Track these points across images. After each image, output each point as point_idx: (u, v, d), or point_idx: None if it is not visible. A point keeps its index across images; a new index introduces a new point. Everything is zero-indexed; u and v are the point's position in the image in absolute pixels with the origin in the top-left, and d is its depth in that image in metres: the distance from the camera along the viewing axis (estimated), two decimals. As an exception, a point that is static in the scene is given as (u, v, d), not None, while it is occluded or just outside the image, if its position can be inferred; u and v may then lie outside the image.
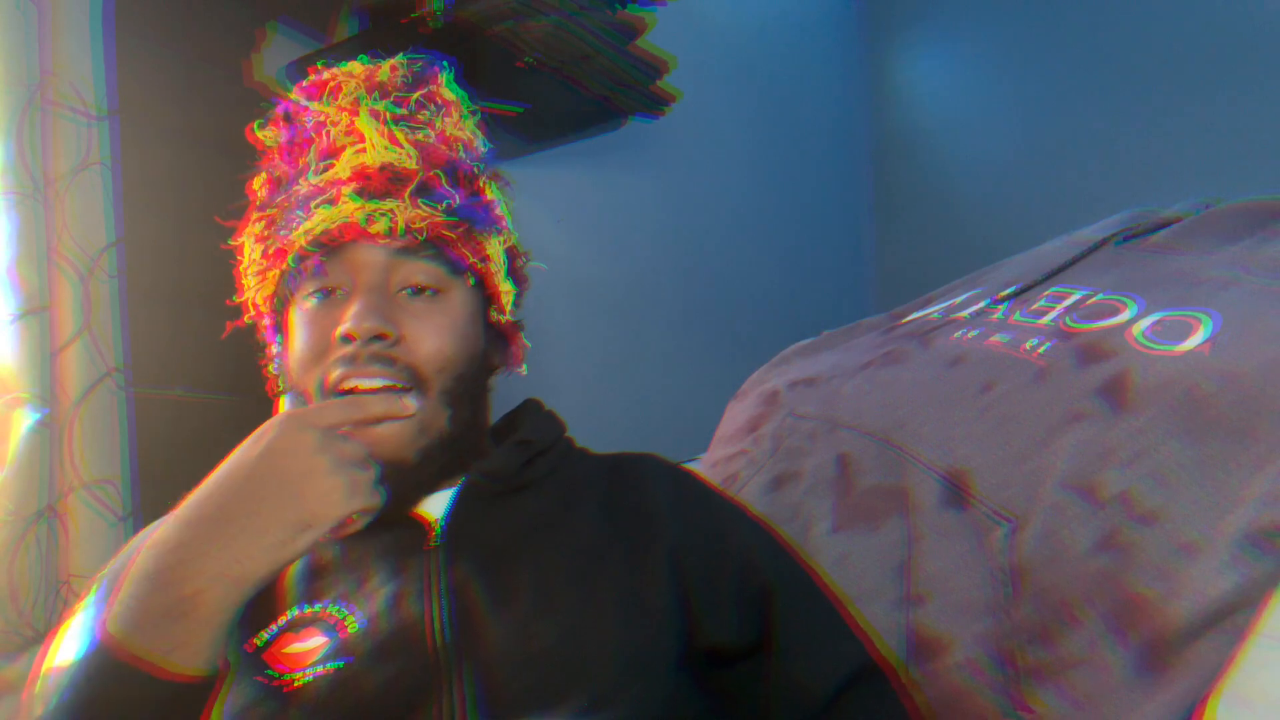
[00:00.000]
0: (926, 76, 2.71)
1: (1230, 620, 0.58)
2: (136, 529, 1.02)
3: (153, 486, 1.06)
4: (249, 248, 0.73)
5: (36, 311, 0.96)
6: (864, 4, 2.80)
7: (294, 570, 0.67)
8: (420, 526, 0.68)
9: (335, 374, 0.64)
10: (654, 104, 1.51)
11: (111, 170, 1.02)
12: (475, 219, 0.70)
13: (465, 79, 0.76)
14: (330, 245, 0.66)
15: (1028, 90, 2.50)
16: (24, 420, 0.95)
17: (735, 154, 2.23)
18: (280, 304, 0.71)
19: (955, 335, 0.92)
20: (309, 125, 0.71)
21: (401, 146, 0.69)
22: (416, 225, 0.67)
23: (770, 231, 2.35)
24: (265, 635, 0.63)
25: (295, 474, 0.56)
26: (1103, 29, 2.36)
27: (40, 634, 0.94)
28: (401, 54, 0.74)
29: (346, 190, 0.66)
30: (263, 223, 0.71)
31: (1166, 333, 0.75)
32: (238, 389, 1.20)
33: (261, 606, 0.64)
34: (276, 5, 1.31)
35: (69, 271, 0.99)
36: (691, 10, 1.88)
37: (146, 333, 1.10)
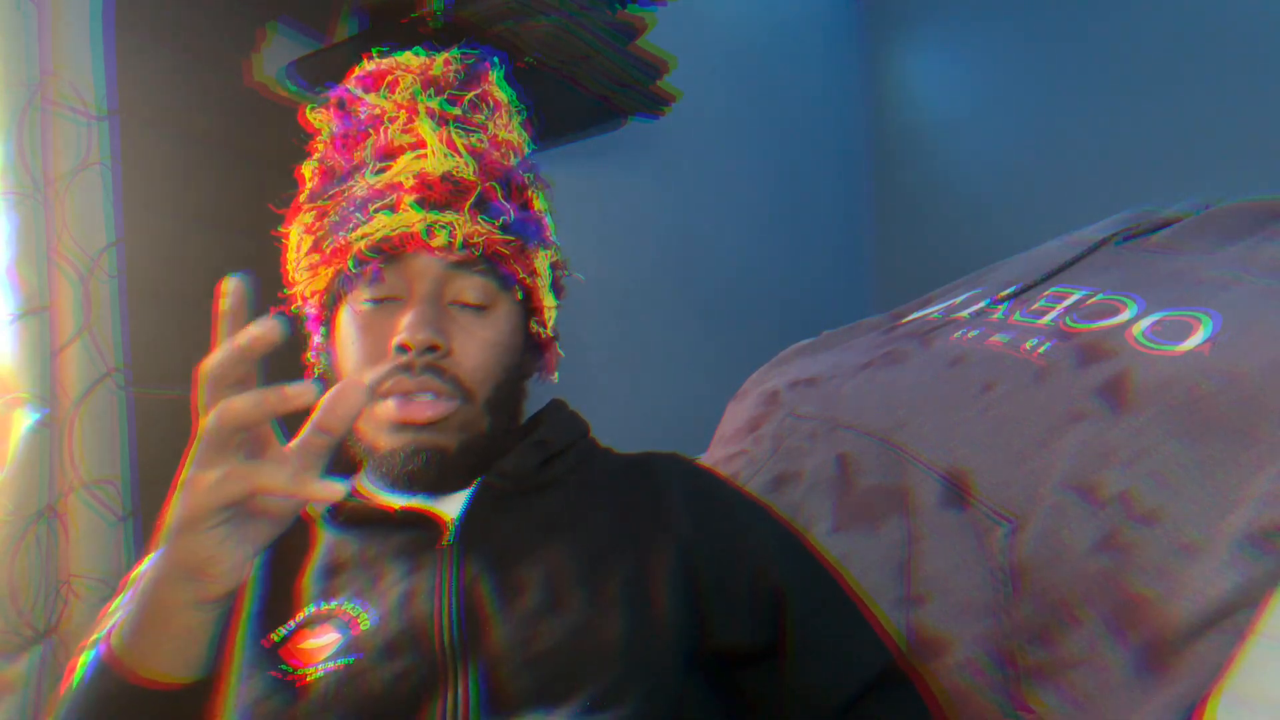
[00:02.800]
0: (926, 76, 2.71)
1: (1230, 620, 0.58)
2: (136, 529, 1.02)
3: (153, 486, 1.06)
4: (297, 237, 0.73)
5: (36, 311, 0.96)
6: (864, 4, 2.80)
7: (313, 568, 0.68)
8: (436, 525, 0.68)
9: (390, 382, 0.66)
10: (654, 104, 1.51)
11: (111, 170, 1.02)
12: (528, 235, 0.72)
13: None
14: (389, 253, 0.68)
15: (1028, 90, 2.50)
16: (24, 420, 0.95)
17: (735, 154, 2.23)
18: (330, 300, 0.72)
19: (955, 335, 0.92)
20: (363, 117, 0.72)
21: (460, 155, 0.70)
22: (475, 240, 0.68)
23: (770, 231, 2.35)
24: (282, 631, 0.63)
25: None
26: (1103, 29, 2.36)
27: (40, 634, 0.94)
28: (456, 49, 0.75)
29: (408, 199, 0.68)
30: (313, 213, 0.72)
31: (1166, 333, 0.75)
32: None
33: (281, 604, 0.65)
34: (276, 5, 1.31)
35: (69, 271, 0.99)
36: (691, 10, 1.88)
37: (146, 333, 1.09)
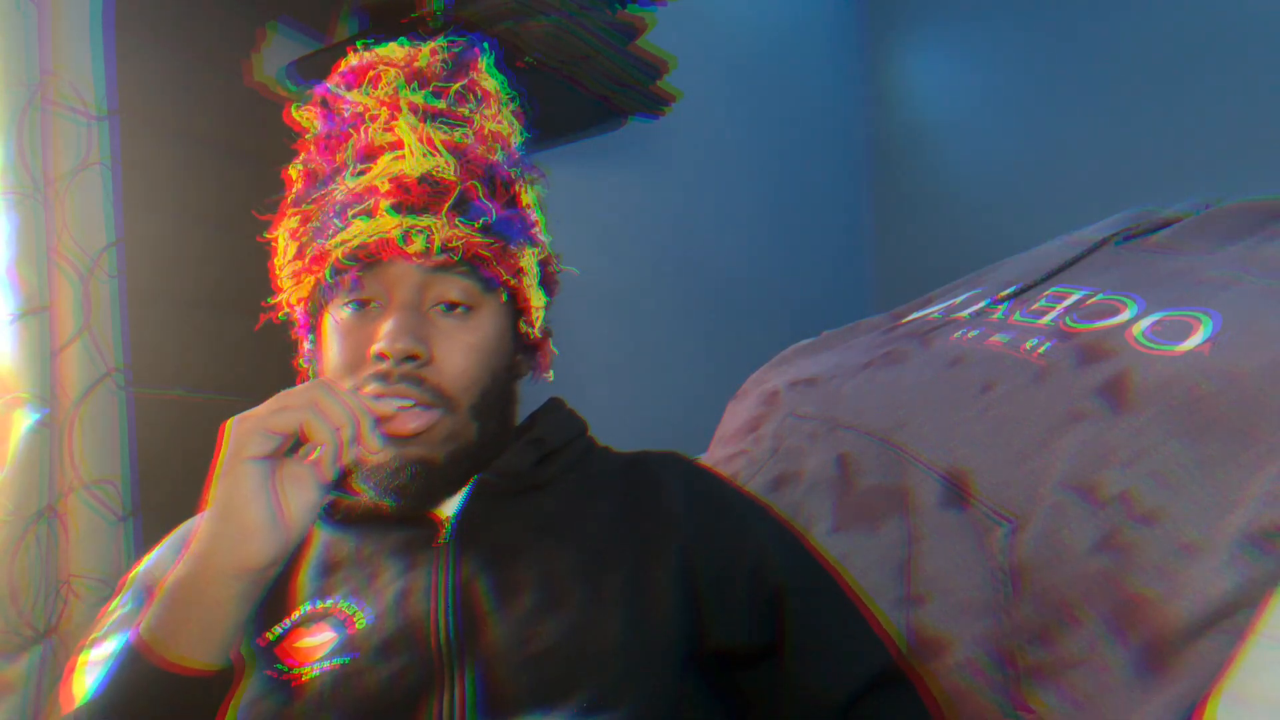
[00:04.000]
0: (926, 76, 2.71)
1: (1230, 620, 0.58)
2: (136, 529, 1.02)
3: (153, 486, 1.06)
4: (283, 243, 0.72)
5: (36, 311, 0.96)
6: (864, 4, 2.80)
7: (308, 566, 0.67)
8: (432, 524, 0.68)
9: (368, 389, 0.65)
10: (654, 104, 1.51)
11: (111, 170, 1.02)
12: (511, 234, 0.70)
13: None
14: (366, 260, 0.66)
15: (1028, 90, 2.50)
16: (24, 420, 0.95)
17: (735, 154, 2.23)
18: (315, 307, 0.71)
19: (955, 335, 0.92)
20: (346, 116, 0.70)
21: (439, 154, 0.68)
22: (453, 244, 0.66)
23: (770, 231, 2.35)
24: (278, 630, 0.63)
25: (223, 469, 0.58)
26: (1103, 29, 2.36)
27: (40, 634, 0.94)
28: (443, 37, 0.73)
29: (385, 204, 0.66)
30: (298, 218, 0.71)
31: (1166, 333, 0.75)
32: (238, 389, 1.20)
33: (276, 602, 0.65)
34: (276, 5, 1.31)
35: (69, 271, 0.99)
36: (691, 10, 1.88)
37: (146, 333, 1.09)
